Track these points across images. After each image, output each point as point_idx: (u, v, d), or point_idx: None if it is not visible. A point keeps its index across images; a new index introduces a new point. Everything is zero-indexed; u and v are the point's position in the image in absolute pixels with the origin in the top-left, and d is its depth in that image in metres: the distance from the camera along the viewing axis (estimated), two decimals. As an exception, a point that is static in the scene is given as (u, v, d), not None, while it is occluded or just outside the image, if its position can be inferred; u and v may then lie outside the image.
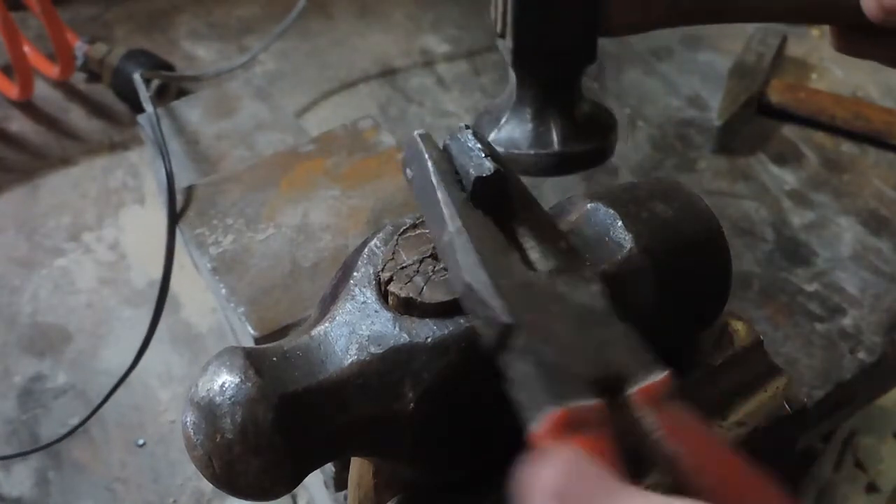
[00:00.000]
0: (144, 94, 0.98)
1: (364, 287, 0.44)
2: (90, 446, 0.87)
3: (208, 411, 0.40)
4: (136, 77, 1.03)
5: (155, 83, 1.17)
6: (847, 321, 0.94)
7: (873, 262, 1.01)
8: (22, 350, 0.95)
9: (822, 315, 0.95)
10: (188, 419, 0.40)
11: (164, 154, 0.88)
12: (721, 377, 0.55)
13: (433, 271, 0.44)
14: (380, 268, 0.45)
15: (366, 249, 0.46)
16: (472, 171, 0.39)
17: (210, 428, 0.39)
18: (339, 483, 0.64)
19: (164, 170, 0.86)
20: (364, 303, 0.44)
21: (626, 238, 0.48)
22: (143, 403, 0.90)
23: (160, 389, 0.92)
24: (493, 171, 0.39)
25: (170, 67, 1.23)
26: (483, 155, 0.39)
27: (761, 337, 0.57)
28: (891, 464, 1.07)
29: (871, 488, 1.08)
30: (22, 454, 0.85)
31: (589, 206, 0.50)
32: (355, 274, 0.45)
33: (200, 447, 0.40)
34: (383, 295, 0.44)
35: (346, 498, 0.57)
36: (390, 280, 0.44)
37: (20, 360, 0.94)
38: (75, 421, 0.87)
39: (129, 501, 0.83)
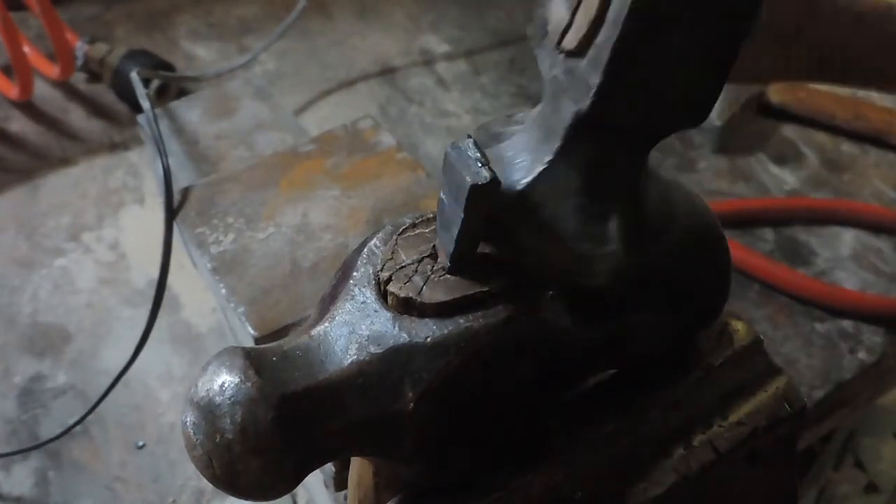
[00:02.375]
0: (141, 91, 0.98)
1: (363, 287, 0.44)
2: (90, 446, 0.87)
3: (208, 411, 0.39)
4: (133, 75, 1.03)
5: (155, 83, 1.17)
6: (847, 321, 0.95)
7: (873, 262, 1.01)
8: (22, 350, 0.95)
9: (822, 315, 0.95)
10: (188, 419, 0.40)
11: (162, 150, 0.88)
12: (721, 377, 0.54)
13: (432, 270, 0.44)
14: (379, 267, 0.45)
15: (365, 249, 0.46)
16: (468, 178, 0.39)
17: (210, 428, 0.39)
18: (339, 483, 0.64)
19: (161, 167, 0.86)
20: (363, 303, 0.44)
21: (626, 238, 0.47)
22: (143, 403, 0.90)
23: (160, 389, 0.92)
24: (488, 179, 0.39)
25: (170, 67, 1.23)
26: (480, 164, 0.39)
27: (761, 337, 0.57)
28: (891, 464, 1.08)
29: (871, 488, 1.08)
30: (20, 451, 0.85)
31: (589, 205, 0.49)
32: (355, 274, 0.45)
33: (200, 447, 0.40)
34: (383, 295, 0.44)
35: (346, 498, 0.57)
36: (389, 280, 0.44)
37: (20, 360, 0.94)
38: (75, 421, 0.87)
39: (128, 501, 0.83)
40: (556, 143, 0.42)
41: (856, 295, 0.96)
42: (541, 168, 0.43)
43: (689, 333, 0.54)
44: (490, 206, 0.41)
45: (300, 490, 0.82)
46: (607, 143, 0.43)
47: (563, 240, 0.43)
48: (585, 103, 0.40)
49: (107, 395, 0.86)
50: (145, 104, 0.95)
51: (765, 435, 0.54)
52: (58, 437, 0.85)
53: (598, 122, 0.41)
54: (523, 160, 0.44)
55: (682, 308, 0.50)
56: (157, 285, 0.84)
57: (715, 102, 0.42)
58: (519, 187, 0.43)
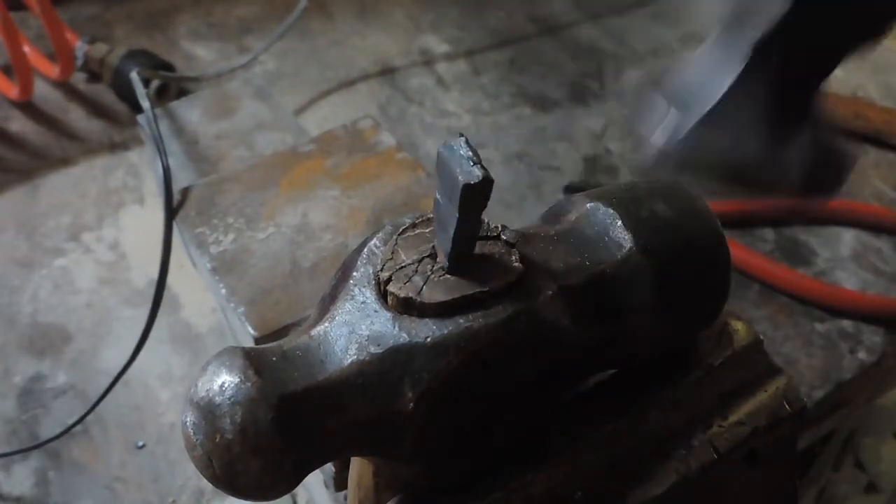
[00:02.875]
0: (141, 91, 0.98)
1: (363, 287, 0.44)
2: (90, 446, 0.87)
3: (208, 411, 0.39)
4: (133, 75, 1.03)
5: (155, 83, 1.17)
6: (847, 321, 0.94)
7: (873, 262, 1.01)
8: (22, 350, 0.95)
9: (822, 315, 0.95)
10: (188, 419, 0.40)
11: (161, 150, 0.88)
12: (721, 377, 0.54)
13: (432, 270, 0.44)
14: (379, 267, 0.45)
15: (365, 249, 0.46)
16: (461, 177, 0.39)
17: (210, 428, 0.39)
18: (339, 483, 0.64)
19: (161, 166, 0.86)
20: (363, 303, 0.44)
21: (626, 238, 0.47)
22: (143, 403, 0.90)
23: (160, 389, 0.92)
24: (480, 178, 0.39)
25: (170, 67, 1.23)
26: (472, 163, 0.39)
27: (761, 337, 0.57)
28: (891, 464, 1.08)
29: (871, 488, 1.08)
30: (20, 451, 0.85)
31: (589, 205, 0.49)
32: (355, 274, 0.45)
33: (200, 447, 0.40)
34: (383, 295, 0.44)
35: (346, 498, 0.57)
36: (389, 280, 0.44)
37: (20, 360, 0.94)
38: (75, 421, 0.87)
39: (128, 501, 0.83)
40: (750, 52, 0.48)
41: (856, 295, 0.96)
42: (736, 75, 0.48)
43: (689, 334, 0.54)
44: (484, 203, 0.41)
45: (300, 490, 0.82)
46: (795, 55, 0.49)
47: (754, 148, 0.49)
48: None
49: (106, 395, 0.86)
50: (145, 104, 0.95)
51: (765, 435, 0.54)
52: (57, 437, 0.85)
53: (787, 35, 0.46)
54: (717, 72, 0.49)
55: (682, 308, 0.50)
56: (157, 284, 0.84)
57: None
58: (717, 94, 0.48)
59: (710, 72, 0.48)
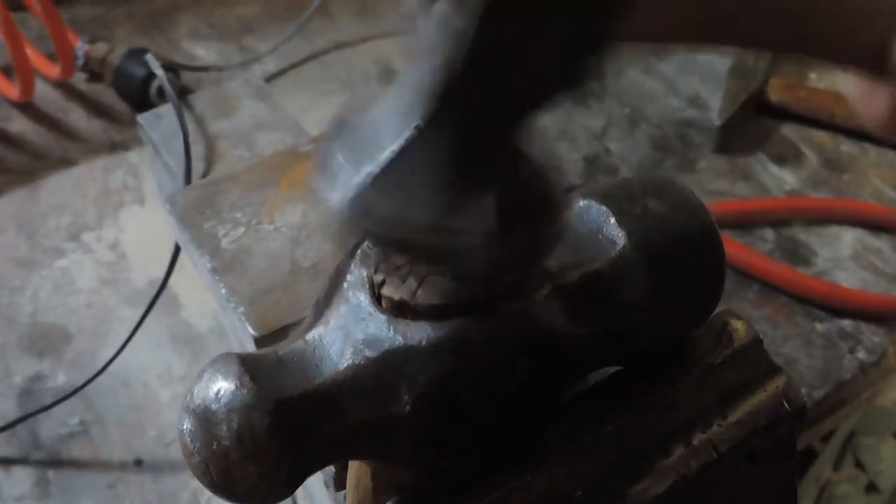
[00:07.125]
0: (154, 62, 0.97)
1: (357, 290, 0.44)
2: (90, 446, 0.87)
3: (204, 419, 0.39)
4: (149, 56, 1.02)
5: (156, 83, 1.17)
6: (847, 321, 0.94)
7: (873, 262, 1.01)
8: (22, 350, 0.95)
9: (822, 315, 0.95)
10: (185, 427, 0.40)
11: (179, 112, 0.87)
12: (721, 377, 0.54)
13: (426, 272, 0.44)
14: (372, 270, 0.45)
15: (358, 252, 0.46)
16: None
17: (206, 435, 0.39)
18: (340, 483, 0.64)
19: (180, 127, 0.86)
20: (358, 306, 0.43)
21: (620, 235, 0.47)
22: (143, 404, 0.90)
23: (160, 389, 0.92)
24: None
25: (170, 67, 1.23)
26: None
27: (761, 336, 0.57)
28: (891, 464, 1.07)
29: (871, 488, 1.08)
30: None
31: (582, 203, 0.49)
32: (349, 277, 0.45)
33: (197, 455, 0.39)
34: (377, 298, 0.44)
35: (346, 498, 0.57)
36: (383, 283, 0.44)
37: (20, 360, 0.94)
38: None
39: (129, 501, 0.83)
40: (425, 107, 0.38)
41: (856, 294, 0.96)
42: (409, 133, 0.38)
43: (686, 328, 0.54)
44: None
45: (300, 490, 0.82)
46: (478, 109, 0.39)
47: (429, 214, 0.40)
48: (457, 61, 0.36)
49: (94, 379, 0.85)
50: (158, 71, 0.94)
51: (764, 434, 0.54)
52: (38, 412, 0.85)
53: (468, 83, 0.37)
54: (392, 124, 0.39)
55: (678, 303, 0.50)
56: (163, 278, 0.84)
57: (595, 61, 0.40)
58: (387, 153, 0.39)
59: (383, 125, 0.39)
